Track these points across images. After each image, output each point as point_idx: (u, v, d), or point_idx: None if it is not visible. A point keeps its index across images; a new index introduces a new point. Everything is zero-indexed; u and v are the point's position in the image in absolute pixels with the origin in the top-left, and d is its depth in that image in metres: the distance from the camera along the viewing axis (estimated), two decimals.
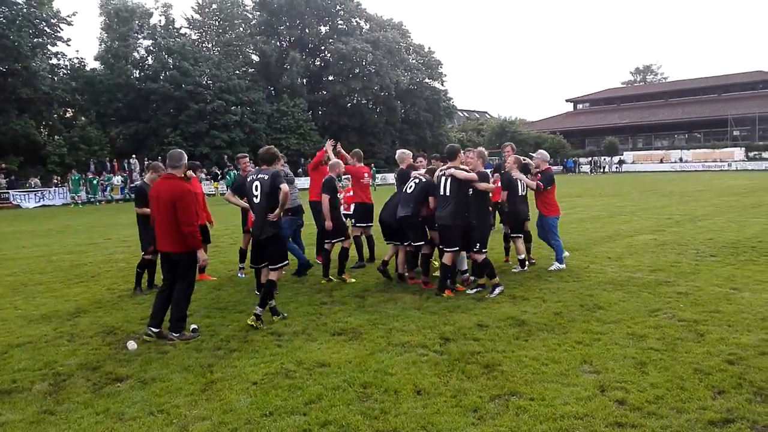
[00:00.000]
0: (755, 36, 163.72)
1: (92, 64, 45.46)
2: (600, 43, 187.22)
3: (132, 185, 36.32)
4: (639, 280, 8.31)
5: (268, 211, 6.59)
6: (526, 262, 9.38)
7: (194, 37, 53.90)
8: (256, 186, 6.71)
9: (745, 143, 59.05)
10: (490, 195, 8.30)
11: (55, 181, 36.45)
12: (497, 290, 7.66)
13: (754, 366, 4.87)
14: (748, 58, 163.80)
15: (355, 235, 9.83)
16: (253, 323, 6.51)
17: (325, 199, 8.71)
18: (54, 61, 42.57)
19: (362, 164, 10.24)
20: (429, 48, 63.90)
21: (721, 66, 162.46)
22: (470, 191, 7.57)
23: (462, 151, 8.19)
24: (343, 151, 10.74)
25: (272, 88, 54.51)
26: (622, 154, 64.62)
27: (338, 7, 57.46)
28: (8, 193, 34.09)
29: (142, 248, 8.69)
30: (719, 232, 12.61)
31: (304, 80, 56.75)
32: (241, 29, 54.96)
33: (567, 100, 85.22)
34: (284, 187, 6.57)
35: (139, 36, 46.88)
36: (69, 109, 45.26)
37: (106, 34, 45.39)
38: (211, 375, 5.13)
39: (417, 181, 8.32)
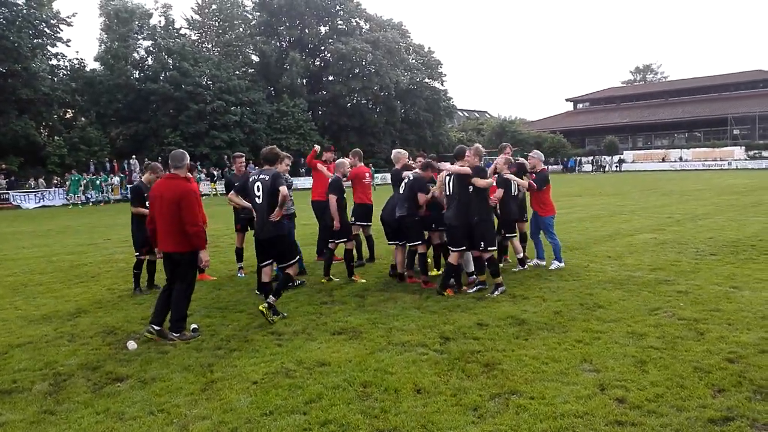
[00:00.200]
0: (755, 35, 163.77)
1: (92, 64, 45.60)
2: (600, 43, 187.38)
3: (128, 185, 36.39)
4: (639, 278, 8.31)
5: (269, 211, 6.60)
6: (526, 261, 9.39)
7: (194, 37, 53.95)
8: (258, 186, 6.72)
9: (745, 142, 58.98)
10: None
11: (56, 181, 36.49)
12: (499, 290, 7.66)
13: (754, 364, 4.87)
14: (748, 57, 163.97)
15: (354, 233, 9.84)
16: (264, 311, 6.57)
17: (333, 199, 8.71)
18: (54, 61, 42.62)
19: (362, 164, 10.25)
20: (429, 48, 64.08)
21: (721, 65, 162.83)
22: (470, 189, 7.56)
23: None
24: (325, 156, 10.81)
25: (272, 89, 54.52)
26: (622, 154, 64.58)
27: (338, 7, 57.50)
28: (8, 193, 34.12)
29: (135, 249, 8.69)
30: (719, 231, 12.61)
31: (304, 80, 56.78)
32: (241, 30, 54.99)
33: (567, 100, 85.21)
34: (283, 189, 6.59)
35: (139, 37, 46.89)
36: (69, 110, 45.27)
37: (105, 35, 45.41)
38: (212, 374, 5.14)
39: (406, 180, 8.38)
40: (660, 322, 6.19)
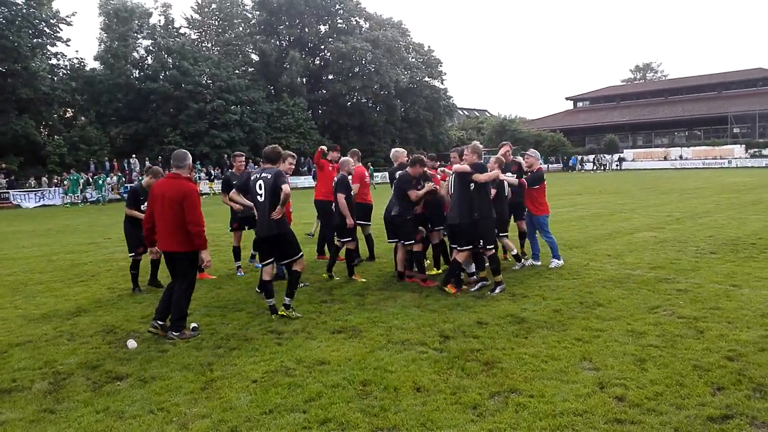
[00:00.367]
0: (755, 33, 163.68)
1: (92, 64, 45.64)
2: (600, 41, 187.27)
3: (126, 185, 36.37)
4: (639, 277, 8.31)
5: (271, 209, 6.60)
6: (522, 257, 9.41)
7: (194, 36, 53.97)
8: (260, 185, 6.72)
9: (746, 140, 59.02)
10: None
11: (56, 180, 36.51)
12: (499, 288, 7.66)
13: (753, 362, 4.87)
14: (748, 56, 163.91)
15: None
16: (284, 314, 6.75)
17: (341, 197, 8.75)
18: (54, 61, 42.66)
19: (360, 164, 10.28)
20: (429, 47, 64.08)
21: (721, 63, 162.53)
22: (471, 186, 7.54)
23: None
24: (331, 156, 10.80)
25: (272, 88, 54.53)
26: (622, 152, 64.60)
27: (338, 6, 57.49)
28: (8, 193, 34.14)
29: (129, 250, 8.70)
30: (719, 229, 12.61)
31: (304, 79, 56.78)
32: (241, 29, 55.00)
33: (567, 98, 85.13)
34: (285, 187, 6.58)
35: (139, 36, 46.90)
36: (69, 109, 45.31)
37: (105, 34, 45.40)
38: (211, 373, 5.14)
39: (396, 179, 8.41)
40: (659, 320, 6.19)
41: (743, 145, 57.54)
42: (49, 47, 41.08)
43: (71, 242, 15.32)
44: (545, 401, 4.29)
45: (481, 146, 7.95)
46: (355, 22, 59.50)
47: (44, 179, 36.66)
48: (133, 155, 41.23)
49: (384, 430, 3.98)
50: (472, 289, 7.83)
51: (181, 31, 51.10)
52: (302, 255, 6.98)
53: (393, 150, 9.74)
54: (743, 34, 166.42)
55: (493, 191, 8.32)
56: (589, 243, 11.53)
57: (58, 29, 40.73)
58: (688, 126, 67.78)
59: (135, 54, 46.72)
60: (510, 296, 7.45)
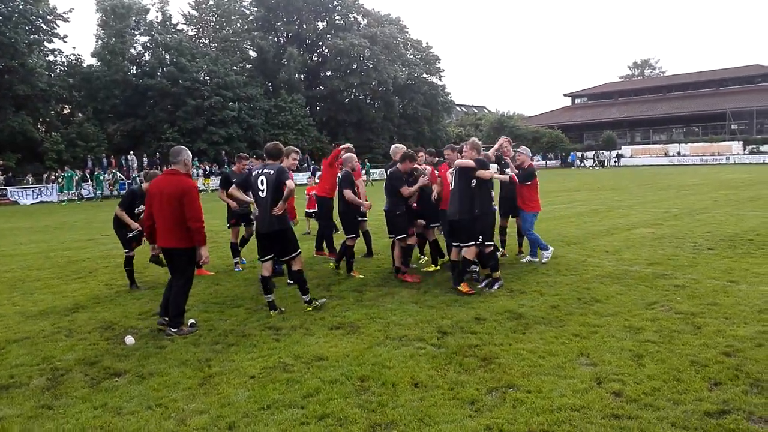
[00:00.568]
0: (753, 30, 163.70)
1: (89, 60, 45.41)
2: (598, 38, 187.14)
3: (122, 181, 36.29)
4: (636, 273, 8.32)
5: (273, 205, 6.60)
6: (501, 249, 9.59)
7: (191, 33, 53.72)
8: (262, 180, 6.71)
9: (743, 137, 59.05)
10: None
11: (54, 177, 36.41)
12: (497, 285, 7.66)
13: (750, 358, 4.89)
14: (745, 52, 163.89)
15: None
16: (309, 309, 6.93)
17: (349, 193, 8.84)
18: (50, 57, 42.49)
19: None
20: (427, 43, 63.97)
21: (719, 60, 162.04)
22: (473, 182, 7.52)
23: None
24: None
25: (270, 84, 54.39)
26: (620, 149, 64.63)
27: (335, 2, 57.34)
28: (5, 189, 34.07)
29: (123, 247, 8.68)
30: (717, 226, 12.63)
31: (302, 76, 56.69)
32: (239, 25, 54.77)
33: (565, 95, 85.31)
34: (290, 183, 6.60)
35: (136, 32, 46.72)
36: (66, 106, 45.16)
37: (102, 31, 45.18)
38: (209, 369, 5.14)
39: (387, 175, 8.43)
40: (657, 316, 6.20)
41: (741, 142, 57.56)
42: (46, 44, 40.95)
43: (69, 239, 15.30)
44: (542, 396, 4.30)
45: (479, 142, 7.93)
46: (352, 19, 59.34)
47: (45, 176, 36.55)
48: (131, 152, 41.12)
49: (382, 426, 3.99)
50: (481, 286, 7.79)
51: (179, 27, 50.90)
52: (300, 252, 6.98)
53: (393, 146, 9.74)
54: (741, 30, 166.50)
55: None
56: (586, 239, 11.54)
57: (55, 26, 40.56)
58: (686, 122, 67.80)
59: (132, 50, 46.55)
60: (508, 292, 7.46)
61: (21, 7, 37.00)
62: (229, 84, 46.10)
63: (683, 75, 76.04)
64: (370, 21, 59.26)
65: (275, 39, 56.74)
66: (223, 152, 44.26)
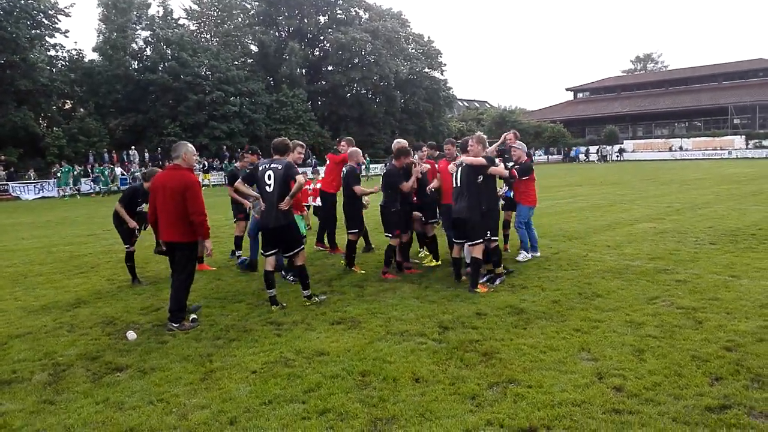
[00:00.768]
0: (756, 24, 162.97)
1: (90, 55, 45.38)
2: (600, 32, 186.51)
3: (124, 176, 36.24)
4: (638, 268, 8.31)
5: (280, 200, 6.60)
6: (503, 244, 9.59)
7: (192, 27, 53.66)
8: (269, 175, 6.71)
9: (746, 131, 58.86)
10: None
11: (54, 171, 36.42)
12: (498, 280, 7.65)
13: (751, 353, 4.88)
14: (748, 46, 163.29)
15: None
16: (308, 303, 6.92)
17: (357, 188, 8.90)
18: (52, 52, 42.48)
19: None
20: (428, 37, 63.74)
21: (721, 54, 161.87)
22: (480, 179, 7.44)
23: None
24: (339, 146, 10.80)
25: (271, 79, 54.32)
26: (623, 143, 64.47)
27: None
28: (7, 184, 34.10)
29: (124, 242, 8.67)
30: (719, 220, 12.60)
31: (303, 70, 56.57)
32: (240, 19, 54.68)
33: (567, 89, 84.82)
34: (300, 178, 6.62)
35: (138, 27, 46.63)
36: (68, 101, 45.11)
37: (104, 26, 45.10)
38: (211, 364, 5.15)
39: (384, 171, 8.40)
40: (658, 311, 6.19)
41: (743, 136, 57.41)
42: (47, 38, 40.90)
43: (70, 234, 15.32)
44: (543, 391, 4.31)
45: (485, 136, 7.90)
46: (354, 13, 59.20)
47: (53, 170, 36.52)
48: (133, 147, 41.14)
49: (383, 421, 3.99)
50: (496, 283, 7.73)
51: (180, 22, 50.85)
52: (303, 247, 7.00)
53: (395, 141, 9.71)
54: (744, 24, 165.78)
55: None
56: (588, 234, 11.53)
57: (56, 20, 40.53)
58: (689, 117, 67.61)
59: (134, 45, 46.47)
60: (509, 287, 7.46)
61: (22, 2, 36.92)
62: (230, 79, 46.04)
63: (686, 69, 75.69)
64: (371, 15, 59.07)
65: (277, 33, 56.65)
66: (225, 147, 44.24)
